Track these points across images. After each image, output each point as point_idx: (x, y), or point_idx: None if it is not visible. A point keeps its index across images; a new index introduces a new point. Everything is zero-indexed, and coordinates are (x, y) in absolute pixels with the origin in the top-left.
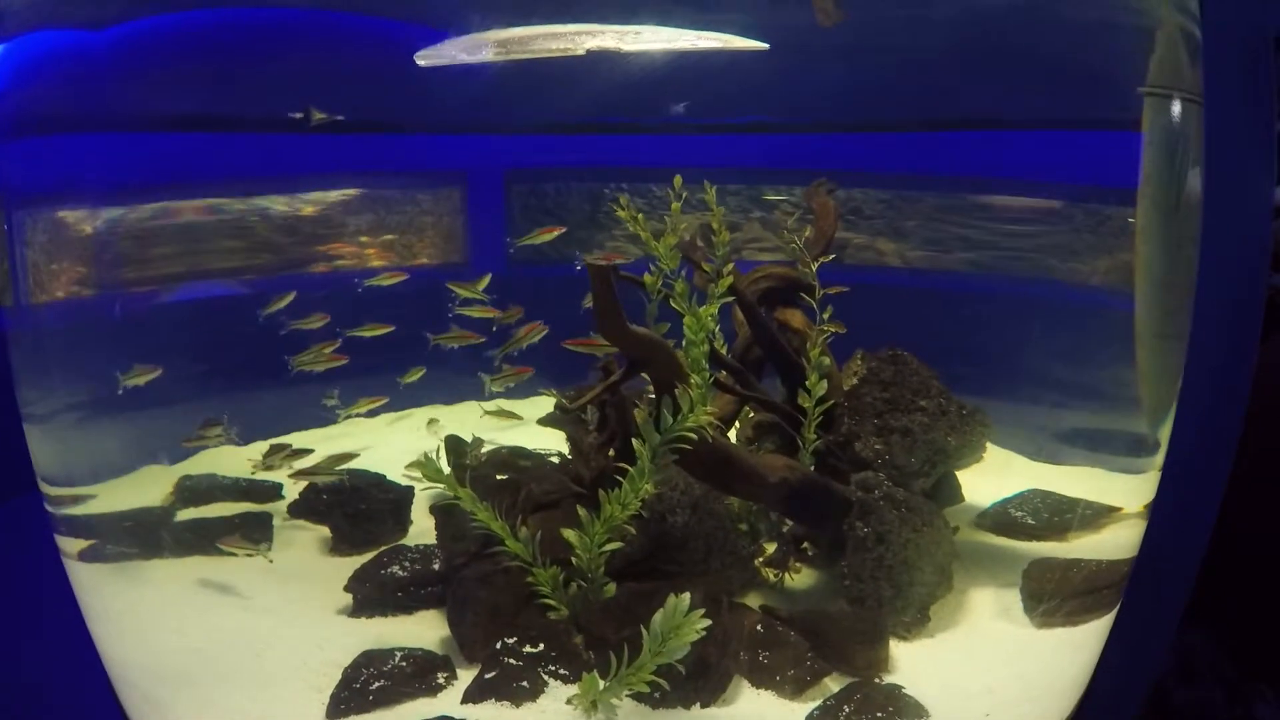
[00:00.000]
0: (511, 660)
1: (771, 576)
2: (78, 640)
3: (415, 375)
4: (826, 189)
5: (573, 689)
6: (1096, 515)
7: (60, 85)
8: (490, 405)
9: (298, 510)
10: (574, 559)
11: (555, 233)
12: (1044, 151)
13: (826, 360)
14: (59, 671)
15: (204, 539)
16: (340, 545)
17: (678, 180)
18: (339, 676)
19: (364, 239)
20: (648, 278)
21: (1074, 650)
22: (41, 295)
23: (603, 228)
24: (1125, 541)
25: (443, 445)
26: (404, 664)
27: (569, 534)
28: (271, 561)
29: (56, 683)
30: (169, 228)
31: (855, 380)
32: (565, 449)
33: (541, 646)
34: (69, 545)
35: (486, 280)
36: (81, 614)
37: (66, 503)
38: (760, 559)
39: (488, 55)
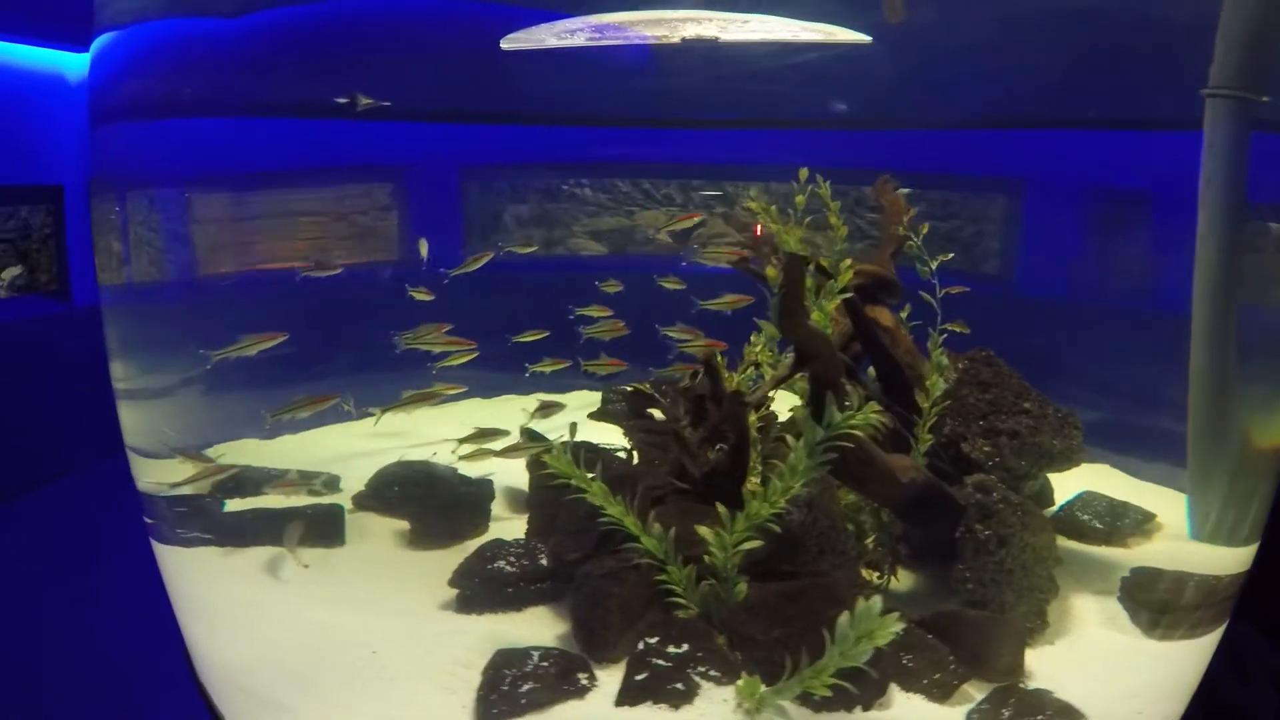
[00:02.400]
0: (659, 661)
1: (875, 578)
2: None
3: (459, 359)
4: (893, 185)
5: (725, 690)
6: (1144, 520)
7: (173, 73)
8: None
9: (364, 501)
10: (706, 556)
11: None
12: None
13: (945, 360)
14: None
15: (276, 529)
16: (421, 538)
17: (802, 173)
18: (469, 676)
19: None
20: (770, 271)
21: (1186, 655)
22: (152, 274)
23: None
24: (1234, 559)
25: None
26: (545, 664)
27: (705, 531)
28: (307, 567)
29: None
30: (275, 212)
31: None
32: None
33: (685, 647)
34: (154, 527)
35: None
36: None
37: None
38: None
39: (578, 40)
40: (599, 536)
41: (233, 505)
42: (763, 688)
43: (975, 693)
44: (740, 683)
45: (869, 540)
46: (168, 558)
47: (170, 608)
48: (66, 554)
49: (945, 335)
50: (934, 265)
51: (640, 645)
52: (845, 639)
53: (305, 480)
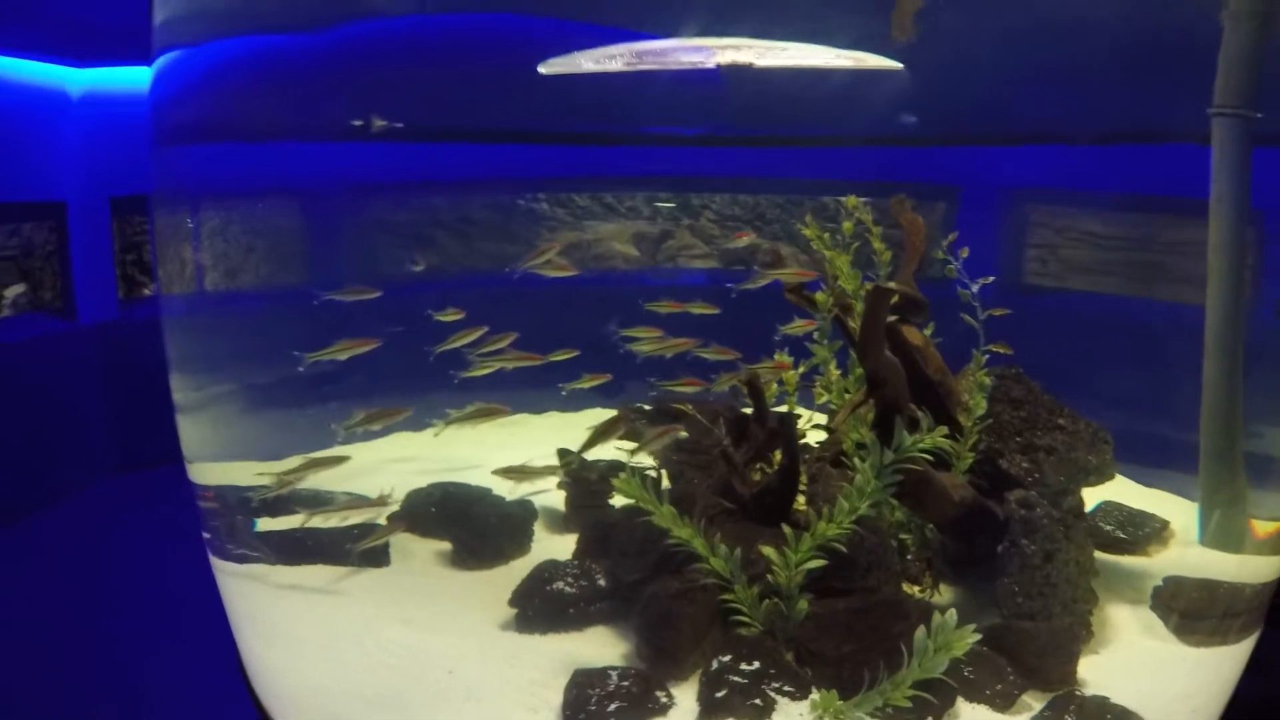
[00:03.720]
0: (735, 678)
1: (917, 592)
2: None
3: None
4: (910, 204)
5: (799, 705)
6: (1161, 528)
7: (245, 92)
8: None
9: (401, 521)
10: (769, 575)
11: (745, 239)
12: None
13: (987, 380)
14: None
15: (329, 548)
16: (465, 559)
17: (850, 200)
18: (547, 696)
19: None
20: (820, 296)
21: (1224, 660)
22: (221, 285)
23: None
24: (1265, 567)
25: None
26: (625, 683)
27: (769, 551)
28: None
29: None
30: (341, 229)
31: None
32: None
33: (757, 664)
34: (212, 542)
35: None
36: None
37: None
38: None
39: (616, 66)
40: (659, 557)
41: (266, 524)
42: (838, 701)
43: (1034, 702)
44: (818, 696)
45: (910, 555)
46: (227, 574)
47: (186, 629)
48: (73, 573)
49: (988, 355)
50: (975, 287)
51: (714, 664)
52: (923, 651)
53: (357, 503)
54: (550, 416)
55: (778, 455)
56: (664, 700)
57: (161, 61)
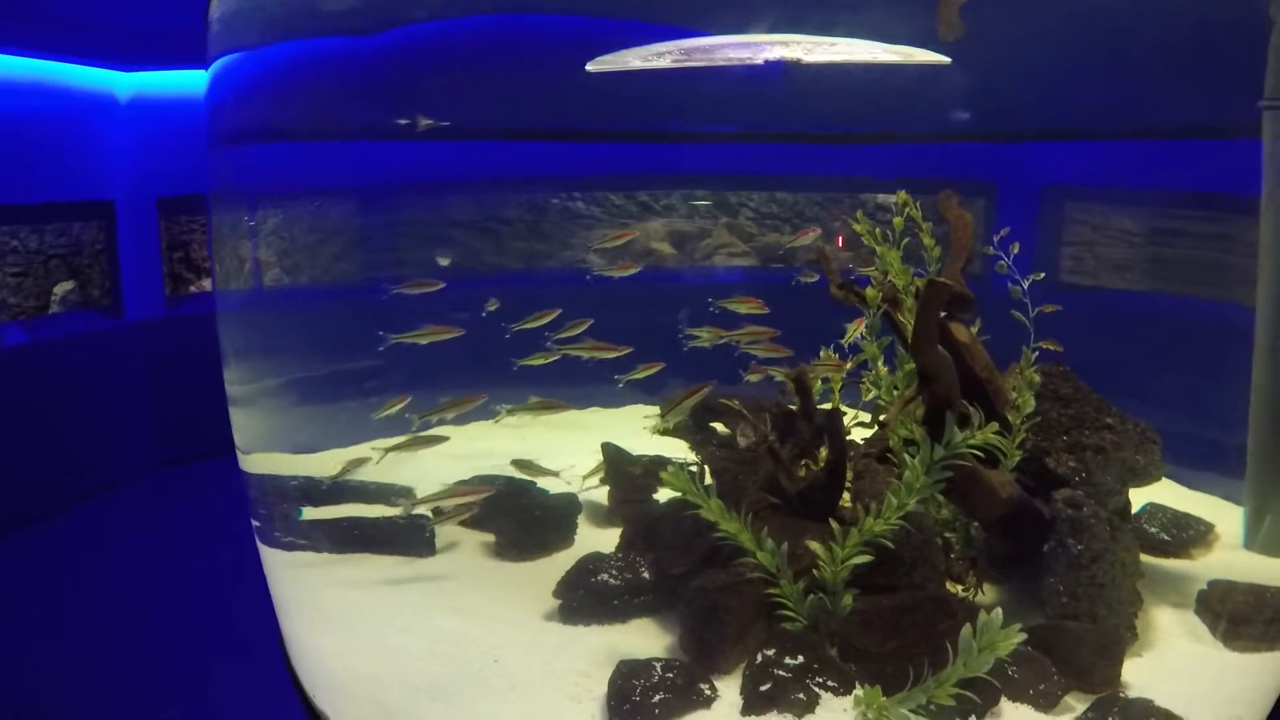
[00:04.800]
0: (780, 672)
1: (961, 590)
2: None
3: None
4: (956, 200)
5: (843, 700)
6: (1206, 531)
7: (299, 94)
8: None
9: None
10: (815, 570)
11: (811, 235)
12: None
13: (1037, 378)
14: None
15: (373, 539)
16: (509, 550)
17: (901, 195)
18: (591, 686)
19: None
20: (870, 291)
21: (1269, 668)
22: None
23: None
24: None
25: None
26: (670, 675)
27: (816, 546)
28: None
29: None
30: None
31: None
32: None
33: (801, 658)
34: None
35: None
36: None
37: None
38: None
39: (664, 63)
40: (705, 550)
41: (313, 513)
42: (881, 698)
43: (1076, 703)
44: (862, 692)
45: (954, 554)
46: (276, 563)
47: (232, 620)
48: (120, 565)
49: (1038, 353)
50: (1026, 284)
51: (759, 657)
52: (969, 650)
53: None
54: (593, 413)
55: (823, 452)
56: (708, 692)
57: (218, 65)
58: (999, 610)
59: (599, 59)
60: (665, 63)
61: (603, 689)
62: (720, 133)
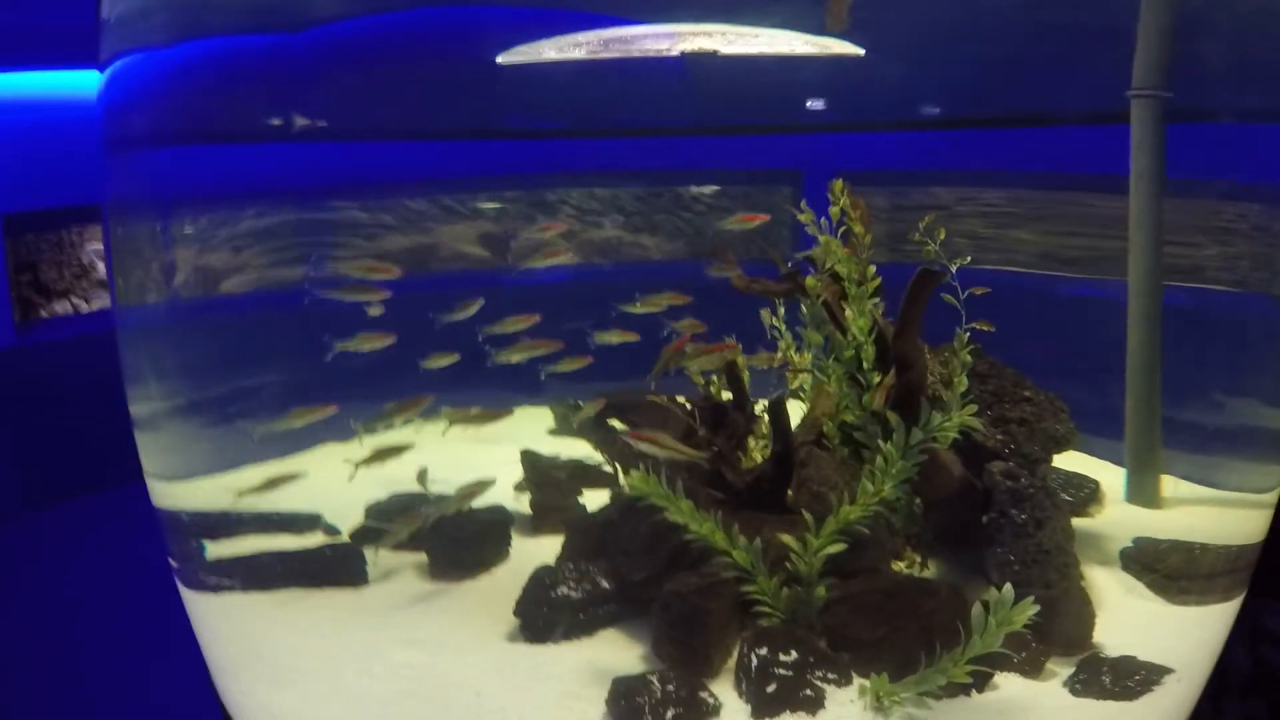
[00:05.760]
0: (780, 670)
1: (904, 567)
2: None
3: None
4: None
5: (846, 691)
6: (1096, 489)
7: (203, 96)
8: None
9: (367, 536)
10: (788, 563)
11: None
12: None
13: (968, 358)
14: None
15: (299, 572)
16: (445, 570)
17: (837, 184)
18: (583, 709)
19: None
20: (811, 280)
21: (1212, 618)
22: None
23: None
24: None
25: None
26: (670, 688)
27: (788, 539)
28: None
29: None
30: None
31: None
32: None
33: (794, 654)
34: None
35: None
36: None
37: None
38: None
39: (579, 54)
40: (669, 553)
41: (216, 550)
42: (890, 684)
43: (1058, 668)
44: (870, 681)
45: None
46: (203, 608)
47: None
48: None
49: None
50: (954, 268)
51: (753, 658)
52: (983, 626)
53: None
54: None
55: (752, 443)
56: (712, 701)
57: (118, 65)
58: (1009, 586)
59: (512, 50)
60: (580, 54)
61: (597, 709)
62: (537, 129)
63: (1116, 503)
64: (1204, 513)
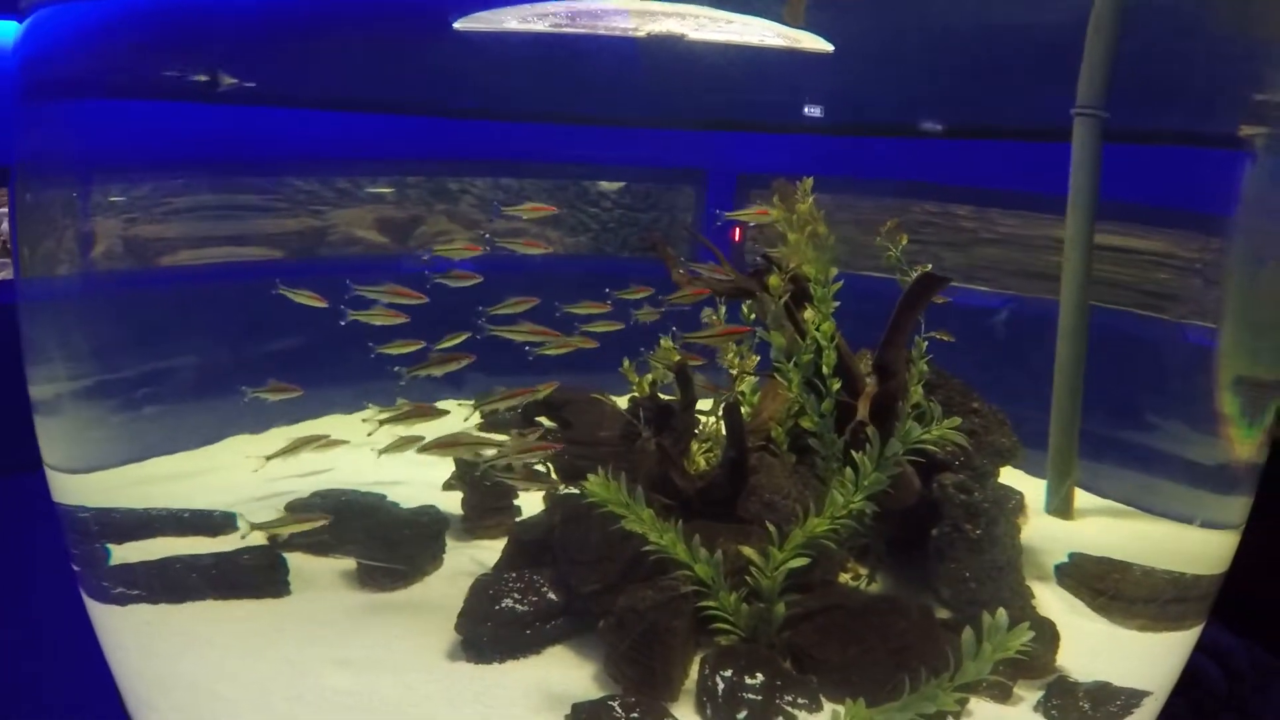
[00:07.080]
0: (748, 695)
1: (851, 579)
2: None
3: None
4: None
5: (819, 716)
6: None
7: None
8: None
9: (287, 541)
10: (749, 577)
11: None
12: None
13: (925, 368)
14: None
15: (215, 581)
16: (376, 579)
17: (807, 182)
18: None
19: None
20: (774, 279)
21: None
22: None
23: None
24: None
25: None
26: (635, 715)
27: (750, 552)
28: None
29: None
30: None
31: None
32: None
33: (760, 676)
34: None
35: None
36: None
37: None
38: None
39: (541, 26)
40: (623, 565)
41: (122, 553)
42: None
43: (1024, 692)
44: (845, 707)
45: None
46: (109, 623)
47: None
48: None
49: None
50: (911, 274)
51: (718, 681)
52: (978, 653)
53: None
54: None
55: (695, 446)
56: None
57: (41, 12)
58: (1003, 611)
59: (470, 16)
60: (544, 26)
61: None
62: (443, 110)
63: (1038, 514)
64: (1113, 525)
